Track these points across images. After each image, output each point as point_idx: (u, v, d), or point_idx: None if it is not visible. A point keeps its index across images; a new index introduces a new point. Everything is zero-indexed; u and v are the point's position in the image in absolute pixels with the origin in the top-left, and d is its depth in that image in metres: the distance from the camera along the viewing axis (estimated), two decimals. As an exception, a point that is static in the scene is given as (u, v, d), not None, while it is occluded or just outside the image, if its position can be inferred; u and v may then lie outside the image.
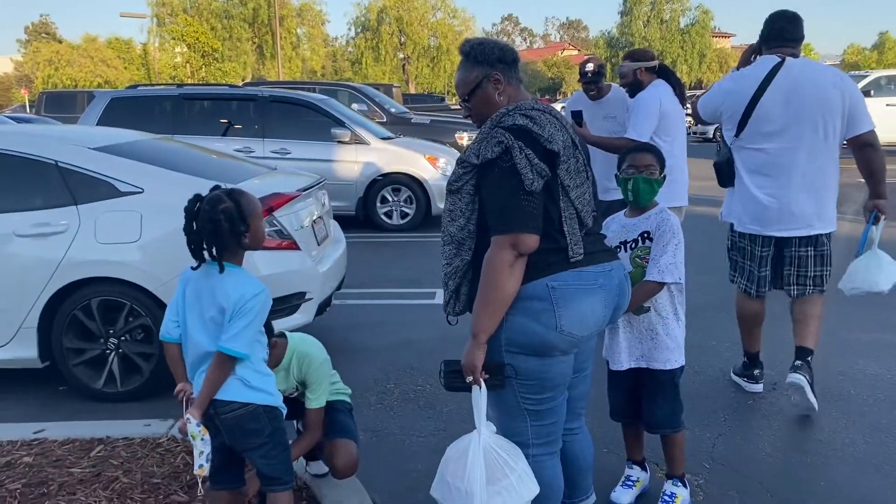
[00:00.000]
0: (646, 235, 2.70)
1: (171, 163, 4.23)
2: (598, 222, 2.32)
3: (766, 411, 3.74)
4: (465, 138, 11.91)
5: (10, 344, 3.88)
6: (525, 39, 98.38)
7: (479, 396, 2.13)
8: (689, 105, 4.74)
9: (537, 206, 2.05)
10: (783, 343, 4.44)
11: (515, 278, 2.06)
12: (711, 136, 23.54)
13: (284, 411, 2.30)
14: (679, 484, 2.86)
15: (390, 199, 9.07)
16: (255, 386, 2.21)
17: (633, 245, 2.72)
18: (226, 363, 2.16)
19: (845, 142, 3.57)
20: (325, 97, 9.84)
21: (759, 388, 3.98)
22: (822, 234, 3.60)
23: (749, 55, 3.82)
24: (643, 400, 2.81)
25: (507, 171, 2.03)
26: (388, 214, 9.11)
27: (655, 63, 4.71)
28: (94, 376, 3.95)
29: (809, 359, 3.62)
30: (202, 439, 2.16)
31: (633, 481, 2.95)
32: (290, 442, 2.72)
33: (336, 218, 8.32)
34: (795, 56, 3.56)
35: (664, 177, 2.74)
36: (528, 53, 75.33)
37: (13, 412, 3.82)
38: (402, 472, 3.22)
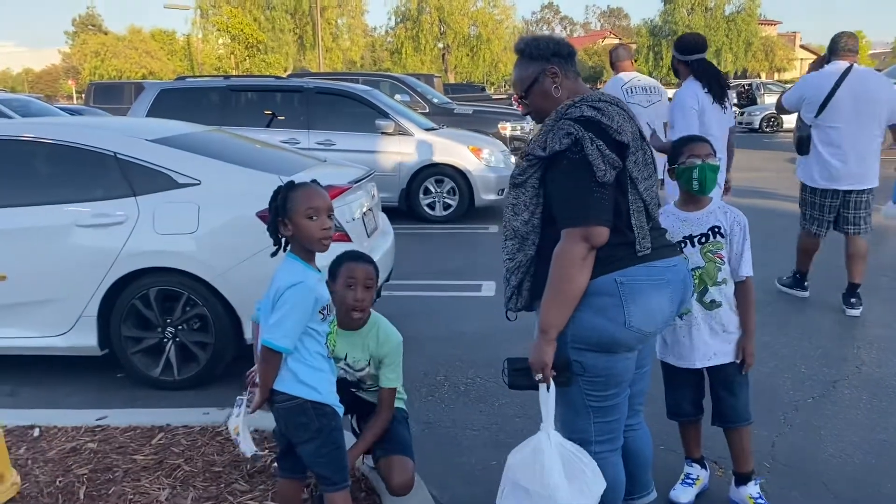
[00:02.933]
0: (716, 230, 2.65)
1: (227, 155, 4.28)
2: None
3: (827, 410, 3.65)
4: (508, 128, 11.83)
5: (71, 332, 3.97)
6: (565, 28, 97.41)
7: (548, 395, 2.11)
8: (729, 103, 4.83)
9: (609, 199, 2.02)
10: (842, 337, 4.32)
11: (587, 272, 2.03)
12: (757, 126, 23.07)
13: (340, 411, 2.29)
14: (755, 482, 2.83)
15: (433, 190, 9.06)
16: (304, 380, 2.22)
17: (703, 239, 2.66)
18: (268, 356, 2.18)
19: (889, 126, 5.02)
20: (369, 88, 9.86)
21: (806, 294, 5.47)
22: (871, 188, 5.04)
23: (819, 63, 5.27)
24: (719, 395, 2.77)
25: (578, 162, 2.01)
26: (431, 206, 9.10)
27: (690, 57, 4.74)
28: (152, 364, 4.02)
29: (858, 291, 5.13)
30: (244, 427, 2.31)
31: (692, 479, 2.91)
32: (357, 440, 2.74)
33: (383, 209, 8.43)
34: (856, 62, 5.03)
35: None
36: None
37: (75, 399, 3.92)
38: (455, 465, 3.22)
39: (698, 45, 4.79)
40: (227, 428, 2.29)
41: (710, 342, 2.69)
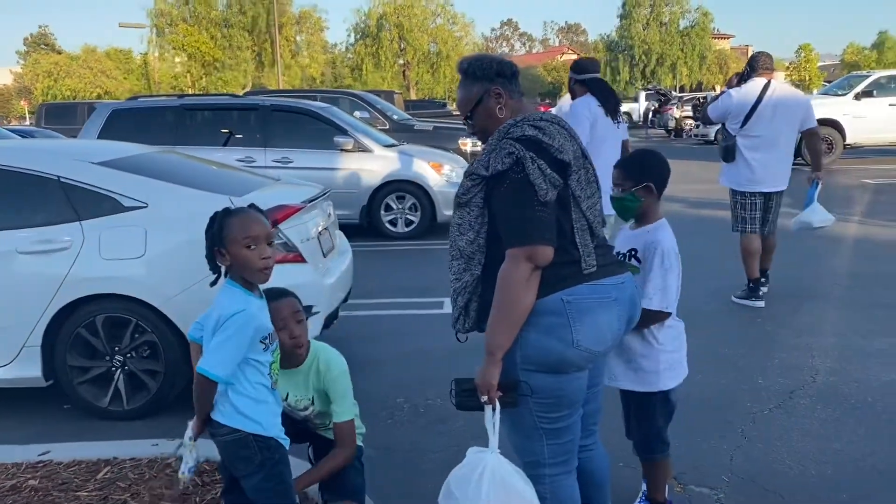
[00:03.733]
0: (633, 252, 2.58)
1: (175, 176, 4.18)
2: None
3: (784, 421, 3.67)
4: (468, 144, 11.85)
5: (14, 363, 3.82)
6: (524, 44, 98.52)
7: (494, 416, 2.07)
8: (622, 118, 5.36)
9: (551, 218, 2.01)
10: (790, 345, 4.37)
11: (532, 292, 2.00)
12: (713, 138, 23.49)
13: (286, 443, 2.22)
14: None
15: (395, 206, 9.02)
16: (245, 412, 2.15)
17: (625, 259, 2.59)
18: (202, 383, 2.11)
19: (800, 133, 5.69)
20: (327, 105, 9.80)
21: (762, 303, 5.64)
22: (783, 190, 5.68)
23: (739, 79, 5.79)
24: (626, 420, 2.75)
25: (520, 182, 1.99)
26: (393, 222, 9.05)
27: (585, 76, 5.19)
28: (100, 394, 3.89)
29: (767, 274, 5.86)
30: (190, 452, 2.19)
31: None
32: (311, 467, 2.66)
33: (340, 227, 8.34)
34: (772, 78, 5.63)
35: (644, 186, 2.54)
36: (527, 58, 75.37)
37: (18, 433, 3.75)
38: (414, 491, 3.16)
39: (592, 66, 5.34)
40: (176, 456, 2.22)
41: (614, 362, 2.59)
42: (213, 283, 2.20)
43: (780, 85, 5.69)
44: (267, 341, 2.16)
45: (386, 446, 3.55)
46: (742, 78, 5.74)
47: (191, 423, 2.25)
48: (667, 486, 2.85)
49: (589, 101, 5.12)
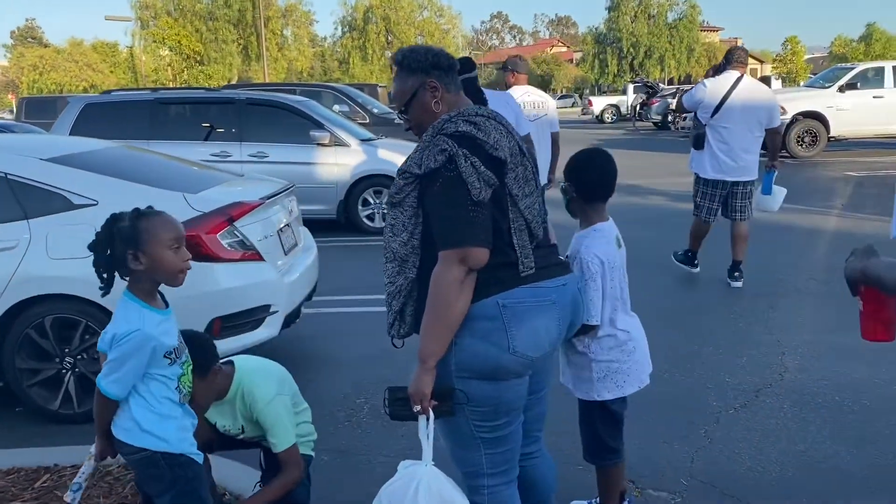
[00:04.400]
0: (566, 257, 2.43)
1: (130, 173, 4.07)
2: (549, 234, 2.17)
3: (748, 421, 3.60)
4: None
5: (-40, 366, 3.71)
6: (514, 37, 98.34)
7: (428, 427, 1.98)
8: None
9: (486, 218, 1.91)
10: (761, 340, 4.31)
11: (465, 296, 1.91)
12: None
13: (199, 458, 2.11)
14: None
15: (372, 201, 8.91)
16: (149, 430, 2.04)
17: None
18: (100, 398, 2.05)
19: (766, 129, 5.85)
20: (304, 99, 9.67)
21: (696, 270, 6.23)
22: (752, 180, 5.85)
23: (715, 71, 6.04)
24: None
25: (452, 180, 1.89)
26: (371, 217, 8.94)
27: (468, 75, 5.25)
28: (50, 397, 3.78)
29: (741, 268, 5.95)
30: (83, 472, 2.16)
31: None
32: (260, 490, 2.55)
33: (317, 222, 8.23)
34: (745, 73, 5.86)
35: (567, 185, 2.45)
36: (517, 50, 75.27)
37: (-36, 437, 3.65)
38: (366, 494, 3.04)
39: (467, 65, 5.45)
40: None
41: (562, 361, 2.53)
42: (105, 294, 2.07)
43: (751, 82, 5.90)
44: (172, 356, 2.06)
45: (341, 449, 3.47)
46: (718, 70, 5.97)
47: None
48: (627, 491, 2.78)
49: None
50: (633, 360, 2.47)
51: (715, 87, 5.72)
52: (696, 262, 6.23)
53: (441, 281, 1.89)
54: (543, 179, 5.99)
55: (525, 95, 6.12)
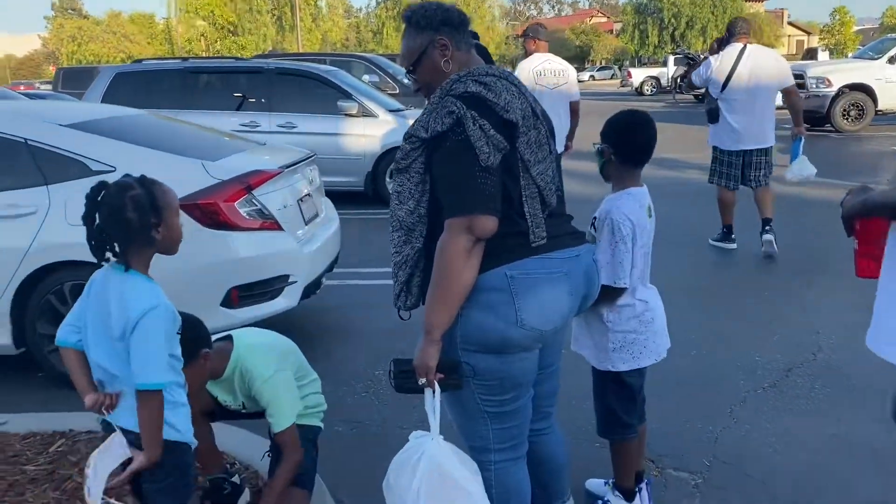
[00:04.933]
0: (594, 220, 2.37)
1: (148, 139, 4.04)
2: (563, 202, 2.07)
3: (777, 402, 3.47)
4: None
5: (-17, 331, 3.75)
6: (553, 6, 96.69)
7: (434, 400, 1.91)
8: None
9: (495, 184, 1.81)
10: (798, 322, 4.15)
11: (472, 266, 1.82)
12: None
13: (194, 445, 2.03)
14: (618, 494, 2.58)
15: (400, 173, 8.80)
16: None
17: (591, 226, 2.38)
18: (147, 399, 1.87)
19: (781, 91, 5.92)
20: (333, 69, 9.58)
21: (734, 245, 6.15)
22: (769, 147, 5.96)
23: (719, 44, 6.18)
24: None
25: (460, 144, 1.79)
26: (399, 189, 8.84)
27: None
28: (68, 362, 3.79)
29: (771, 223, 5.94)
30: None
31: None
32: (268, 482, 2.48)
33: (344, 194, 8.17)
34: (750, 43, 5.94)
35: (603, 147, 2.35)
36: (555, 21, 73.97)
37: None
38: (378, 468, 3.00)
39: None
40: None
41: (577, 328, 2.46)
42: (99, 265, 1.97)
43: (756, 49, 5.99)
44: (180, 332, 1.98)
45: (357, 420, 3.43)
46: (722, 44, 6.14)
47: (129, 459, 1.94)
48: (645, 472, 2.69)
49: None
50: (651, 331, 2.38)
51: (721, 62, 5.88)
52: (732, 236, 6.18)
53: (447, 250, 1.81)
54: (560, 147, 5.93)
55: (545, 63, 6.10)
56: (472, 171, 1.78)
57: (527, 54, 6.10)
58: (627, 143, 2.33)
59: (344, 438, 3.24)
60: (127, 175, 1.96)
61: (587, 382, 2.57)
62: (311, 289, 4.26)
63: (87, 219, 1.91)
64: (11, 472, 2.74)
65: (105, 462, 1.97)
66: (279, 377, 2.39)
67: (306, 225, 4.32)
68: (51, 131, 3.82)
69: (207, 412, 2.52)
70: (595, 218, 2.36)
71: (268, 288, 3.89)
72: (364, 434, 3.31)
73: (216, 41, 39.21)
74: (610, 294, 2.28)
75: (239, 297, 3.76)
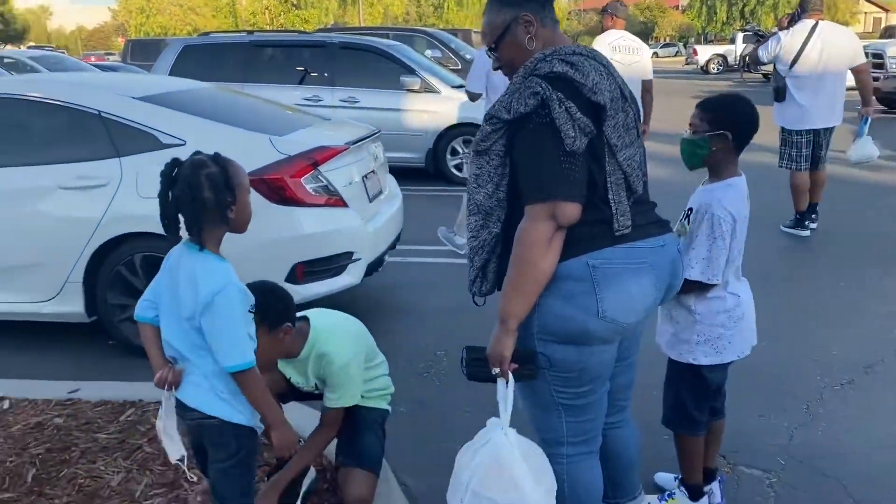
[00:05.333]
0: (689, 212, 2.27)
1: (217, 113, 4.06)
2: (647, 189, 1.97)
3: (856, 399, 3.32)
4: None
5: (58, 298, 3.84)
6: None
7: (507, 390, 1.86)
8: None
9: (580, 170, 1.73)
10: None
11: (553, 255, 1.75)
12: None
13: (260, 430, 2.02)
14: (684, 491, 2.49)
15: (461, 150, 8.73)
16: (227, 398, 1.92)
17: (684, 217, 2.29)
18: (244, 378, 1.87)
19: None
20: (396, 43, 9.52)
21: (807, 233, 5.99)
22: (835, 126, 5.87)
23: (790, 20, 6.05)
24: None
25: (544, 127, 1.72)
26: (459, 167, 8.75)
27: None
28: (139, 333, 3.86)
29: (817, 209, 6.07)
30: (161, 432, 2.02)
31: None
32: (301, 443, 2.48)
33: (404, 170, 8.15)
34: (822, 20, 5.76)
35: (719, 134, 2.19)
36: (618, -4, 72.09)
37: (66, 366, 3.79)
38: (440, 449, 2.98)
39: None
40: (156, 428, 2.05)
41: (660, 321, 2.38)
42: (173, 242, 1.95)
43: (828, 25, 5.82)
44: (252, 310, 1.97)
45: (419, 401, 3.41)
46: (793, 20, 6.00)
47: (169, 397, 2.00)
48: (718, 470, 2.59)
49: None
50: (739, 328, 2.28)
51: (790, 38, 5.74)
52: (805, 223, 6.01)
53: (527, 237, 1.74)
54: None
55: (619, 40, 5.96)
56: (557, 156, 1.71)
57: (603, 30, 5.95)
58: (747, 131, 2.21)
59: (406, 418, 3.22)
60: (200, 152, 1.94)
61: (658, 372, 2.48)
62: (374, 266, 4.25)
63: (162, 196, 1.88)
64: (84, 439, 2.81)
65: (170, 423, 2.02)
66: (354, 364, 2.37)
67: (371, 202, 4.29)
68: (124, 104, 3.87)
69: (280, 394, 2.52)
70: (690, 210, 2.25)
71: (332, 264, 3.89)
72: (427, 415, 3.29)
73: (280, 14, 39.46)
74: (701, 287, 2.18)
75: (304, 273, 3.77)
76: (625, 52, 5.89)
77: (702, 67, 32.66)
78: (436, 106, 8.62)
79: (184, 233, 1.92)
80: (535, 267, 1.74)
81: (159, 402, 3.03)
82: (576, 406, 1.93)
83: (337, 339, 2.38)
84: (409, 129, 8.57)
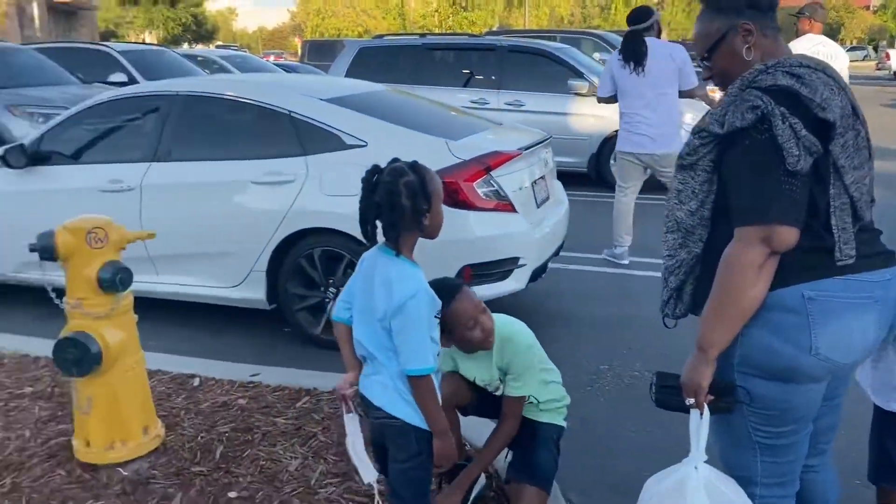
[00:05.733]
0: None
1: (397, 116, 4.17)
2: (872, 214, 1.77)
3: None
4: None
5: (243, 285, 4.10)
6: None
7: (701, 422, 1.74)
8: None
9: (802, 192, 1.59)
10: None
11: (763, 283, 1.62)
12: None
13: None
14: None
15: (626, 156, 8.48)
16: (411, 401, 1.95)
17: None
18: (419, 384, 1.91)
19: None
20: (565, 46, 9.40)
21: None
22: None
23: None
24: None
25: (764, 144, 1.59)
26: (623, 173, 8.53)
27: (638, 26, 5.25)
28: (314, 322, 4.06)
29: None
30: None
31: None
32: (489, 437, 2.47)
33: (567, 175, 8.03)
34: None
35: None
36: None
37: (245, 350, 4.04)
38: (605, 468, 2.92)
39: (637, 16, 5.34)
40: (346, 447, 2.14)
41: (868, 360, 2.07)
42: (367, 247, 2.01)
43: None
44: (438, 314, 1.99)
45: (583, 416, 3.32)
46: None
47: (353, 416, 2.09)
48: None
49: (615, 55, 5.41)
50: None
51: None
52: None
53: (735, 262, 1.62)
54: None
55: (818, 46, 5.52)
56: (777, 176, 1.57)
57: (797, 34, 5.55)
58: None
59: (569, 434, 3.11)
60: (398, 159, 1.99)
61: (855, 411, 2.25)
62: (538, 272, 4.20)
63: (363, 202, 1.94)
64: (265, 422, 2.97)
65: (357, 442, 2.08)
66: (537, 348, 2.40)
67: (538, 207, 4.25)
68: (312, 105, 4.06)
69: (463, 406, 2.53)
70: None
71: (498, 269, 3.89)
72: (591, 432, 3.20)
73: (448, 17, 40.27)
74: None
75: (471, 276, 3.79)
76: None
77: (895, 73, 29.92)
78: (602, 110, 8.41)
79: (380, 237, 1.97)
80: (743, 294, 1.62)
81: (332, 392, 3.19)
82: (775, 446, 1.78)
83: (516, 324, 2.41)
84: (574, 133, 8.45)
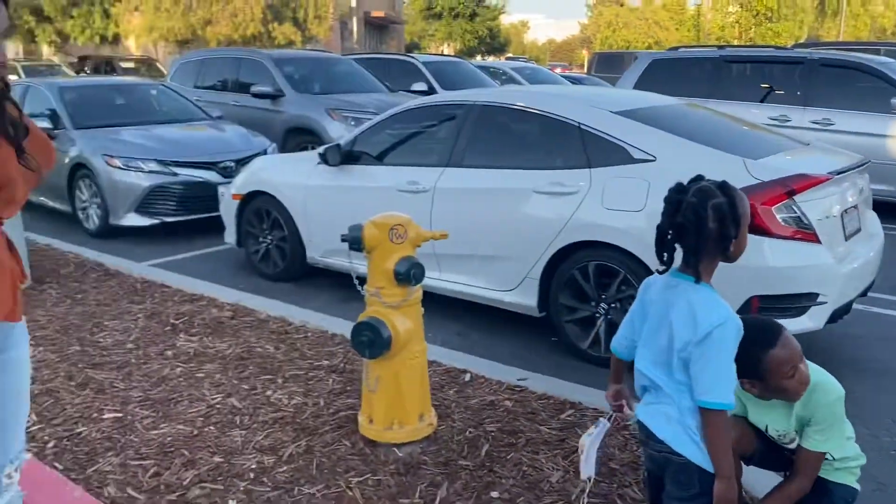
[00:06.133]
0: None
1: (690, 131, 3.99)
2: None
3: None
4: None
5: (516, 290, 4.21)
6: None
7: None
8: None
9: None
10: None
11: None
12: None
13: None
14: None
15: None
16: (699, 441, 1.82)
17: None
18: (714, 419, 1.80)
19: None
20: (891, 60, 8.30)
21: None
22: None
23: None
24: None
25: None
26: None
27: None
28: (582, 336, 4.03)
29: None
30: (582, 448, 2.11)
31: None
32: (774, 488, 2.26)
33: (883, 205, 7.07)
34: None
35: None
36: None
37: (509, 353, 4.15)
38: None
39: None
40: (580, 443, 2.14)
41: None
42: (661, 272, 1.91)
43: None
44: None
45: (878, 480, 2.90)
46: None
47: (603, 421, 2.10)
48: None
49: None
50: None
51: None
52: None
53: None
54: None
55: None
56: None
57: None
58: None
59: (861, 500, 2.76)
60: (702, 177, 1.87)
61: None
62: (840, 312, 3.74)
63: (664, 223, 1.86)
64: (529, 428, 3.01)
65: (595, 442, 2.12)
66: (842, 402, 2.13)
67: (846, 240, 3.79)
68: (602, 117, 4.04)
69: (748, 455, 2.34)
70: None
71: (793, 303, 3.54)
72: (888, 500, 2.78)
73: (750, 28, 37.72)
74: None
75: (759, 308, 3.50)
76: None
77: None
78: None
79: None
80: None
81: (597, 410, 3.14)
82: None
83: (823, 373, 2.14)
84: (892, 158, 7.42)
